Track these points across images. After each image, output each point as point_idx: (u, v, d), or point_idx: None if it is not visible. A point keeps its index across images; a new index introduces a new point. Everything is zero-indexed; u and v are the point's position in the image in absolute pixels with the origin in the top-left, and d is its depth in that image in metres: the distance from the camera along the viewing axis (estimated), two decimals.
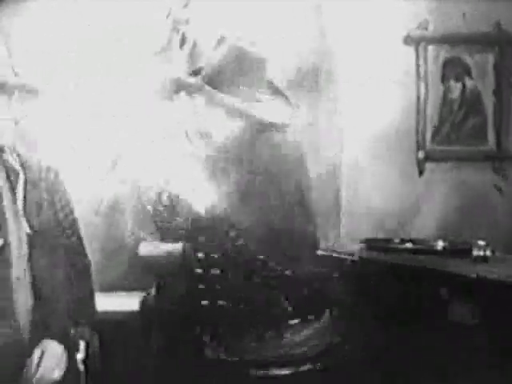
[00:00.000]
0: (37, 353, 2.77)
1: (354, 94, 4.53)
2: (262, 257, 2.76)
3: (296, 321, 2.85)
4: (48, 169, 2.96)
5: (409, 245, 4.14)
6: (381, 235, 4.41)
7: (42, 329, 2.80)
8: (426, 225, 4.50)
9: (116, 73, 4.00)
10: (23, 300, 2.78)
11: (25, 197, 2.84)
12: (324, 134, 4.51)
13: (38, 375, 2.74)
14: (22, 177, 2.85)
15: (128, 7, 4.12)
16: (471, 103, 4.67)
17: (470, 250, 3.77)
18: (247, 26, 4.16)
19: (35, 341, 2.78)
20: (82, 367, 2.94)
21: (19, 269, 2.77)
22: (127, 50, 4.01)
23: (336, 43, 4.55)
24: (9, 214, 2.79)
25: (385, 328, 3.85)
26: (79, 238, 2.99)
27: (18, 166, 2.86)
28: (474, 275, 3.47)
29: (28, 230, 2.80)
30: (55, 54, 4.03)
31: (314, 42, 4.44)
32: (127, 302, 3.56)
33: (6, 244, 2.75)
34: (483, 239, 3.75)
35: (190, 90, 2.84)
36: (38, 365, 2.76)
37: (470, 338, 3.46)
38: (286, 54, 4.29)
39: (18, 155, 2.93)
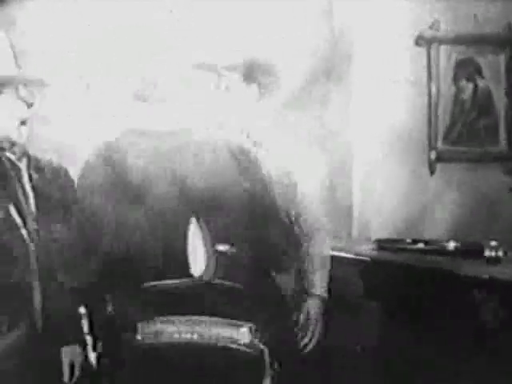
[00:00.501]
0: (66, 362, 2.87)
1: (365, 95, 4.53)
2: None
3: None
4: (59, 168, 2.99)
5: (420, 245, 4.13)
6: (392, 235, 4.40)
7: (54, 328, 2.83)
8: (438, 225, 4.48)
9: (116, 73, 4.00)
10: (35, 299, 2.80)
11: (34, 190, 2.85)
12: (335, 135, 4.51)
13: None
14: (24, 174, 2.86)
15: (128, 7, 4.11)
16: (483, 103, 4.66)
17: (482, 251, 3.75)
18: (258, 26, 4.19)
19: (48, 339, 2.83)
20: (95, 364, 2.95)
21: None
22: (127, 50, 4.01)
23: (348, 44, 4.55)
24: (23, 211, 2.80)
25: (395, 328, 3.86)
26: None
27: (18, 163, 2.89)
28: (487, 276, 3.46)
29: (35, 226, 2.81)
30: (55, 54, 4.03)
31: (326, 43, 4.44)
32: None
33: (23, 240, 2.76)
34: (495, 240, 3.74)
35: None
36: (72, 375, 2.88)
37: (479, 339, 3.47)
38: (297, 55, 4.30)
39: (29, 156, 2.94)
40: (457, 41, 4.65)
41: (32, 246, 2.79)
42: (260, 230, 2.66)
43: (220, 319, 2.59)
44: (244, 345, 2.60)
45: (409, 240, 4.25)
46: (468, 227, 4.43)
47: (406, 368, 3.76)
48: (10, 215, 2.75)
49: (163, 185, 2.61)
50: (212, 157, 2.67)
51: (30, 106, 2.88)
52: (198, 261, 2.58)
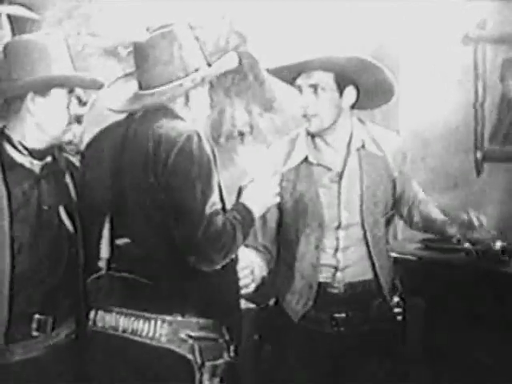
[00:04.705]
0: None
1: (411, 94, 4.52)
2: None
3: None
4: None
5: (466, 245, 4.12)
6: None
7: None
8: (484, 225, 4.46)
9: None
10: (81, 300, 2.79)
11: None
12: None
13: None
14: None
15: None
16: None
17: None
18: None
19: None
20: None
21: None
22: None
23: (394, 43, 4.55)
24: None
25: (440, 327, 3.86)
26: None
27: (78, 164, 2.86)
28: None
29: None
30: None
31: (373, 42, 4.44)
32: None
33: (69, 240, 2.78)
34: None
35: None
36: None
37: None
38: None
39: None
40: (503, 40, 4.61)
41: (79, 246, 2.75)
42: (168, 226, 2.52)
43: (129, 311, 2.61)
44: (148, 337, 2.57)
45: (454, 240, 4.24)
46: None
47: (450, 366, 3.78)
48: (59, 216, 2.72)
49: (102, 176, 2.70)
50: (134, 147, 2.61)
51: (83, 104, 2.86)
52: (102, 254, 2.64)
